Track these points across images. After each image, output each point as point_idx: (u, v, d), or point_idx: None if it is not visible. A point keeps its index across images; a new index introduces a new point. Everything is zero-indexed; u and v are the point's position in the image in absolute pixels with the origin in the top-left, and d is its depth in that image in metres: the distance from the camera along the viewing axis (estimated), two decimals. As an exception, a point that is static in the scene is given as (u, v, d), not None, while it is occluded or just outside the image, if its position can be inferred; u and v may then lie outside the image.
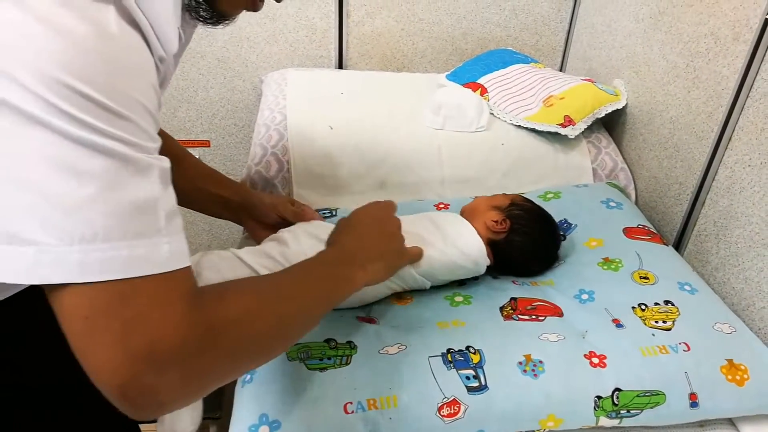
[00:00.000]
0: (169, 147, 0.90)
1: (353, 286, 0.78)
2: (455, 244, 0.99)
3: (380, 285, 0.92)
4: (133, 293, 0.50)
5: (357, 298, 0.93)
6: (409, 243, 0.94)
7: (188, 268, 0.55)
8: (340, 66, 1.75)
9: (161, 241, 0.52)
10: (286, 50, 1.71)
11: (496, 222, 1.04)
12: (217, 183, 1.06)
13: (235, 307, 0.58)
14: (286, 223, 1.06)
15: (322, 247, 0.85)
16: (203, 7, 0.65)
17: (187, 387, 0.54)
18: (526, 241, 1.04)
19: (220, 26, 0.70)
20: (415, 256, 0.95)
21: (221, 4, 0.67)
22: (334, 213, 1.21)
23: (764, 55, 1.00)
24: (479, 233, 1.02)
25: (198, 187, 1.03)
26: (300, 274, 0.72)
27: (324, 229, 0.96)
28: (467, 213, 1.09)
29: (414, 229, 0.98)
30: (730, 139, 1.08)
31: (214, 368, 0.56)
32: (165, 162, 0.55)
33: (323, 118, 1.37)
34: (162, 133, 0.84)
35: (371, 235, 0.86)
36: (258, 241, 1.05)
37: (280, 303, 0.64)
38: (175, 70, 0.71)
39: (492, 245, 1.03)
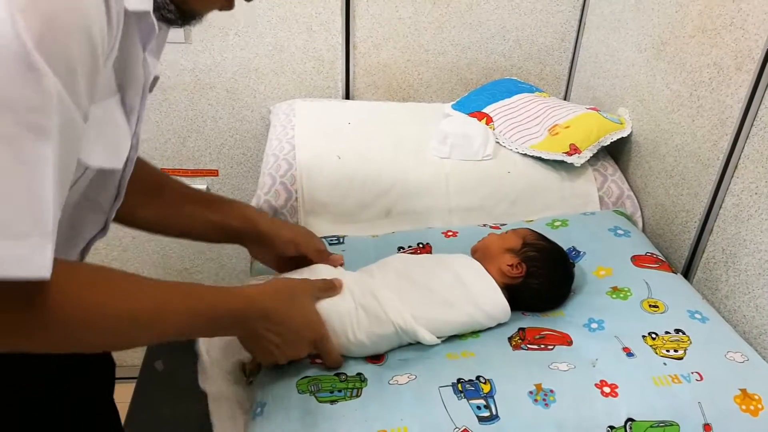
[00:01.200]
0: (148, 174, 0.88)
1: (223, 335, 0.84)
2: (479, 304, 0.96)
3: (394, 344, 0.92)
4: None
5: (370, 350, 0.91)
6: (431, 303, 0.93)
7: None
8: (347, 96, 1.77)
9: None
10: (293, 81, 1.74)
11: (511, 266, 1.02)
12: (209, 206, 0.95)
13: (96, 303, 0.60)
14: (304, 258, 1.00)
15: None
16: (168, 7, 0.64)
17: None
18: (543, 283, 1.03)
19: (190, 25, 0.70)
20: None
21: (192, 2, 0.67)
22: (341, 240, 1.22)
23: (767, 85, 1.01)
24: (494, 278, 1.00)
25: (187, 212, 0.93)
26: (198, 304, 0.72)
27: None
28: (479, 255, 1.06)
29: (436, 286, 0.96)
30: (736, 167, 1.08)
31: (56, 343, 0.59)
32: None
33: (331, 148, 1.39)
34: (140, 161, 0.83)
35: (275, 330, 0.81)
36: (280, 272, 1.00)
37: (156, 321, 0.67)
38: (155, 71, 0.69)
39: (508, 288, 1.01)
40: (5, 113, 0.47)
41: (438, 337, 0.93)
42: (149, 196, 0.88)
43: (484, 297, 0.97)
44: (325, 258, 1.00)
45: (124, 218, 0.83)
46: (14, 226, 0.48)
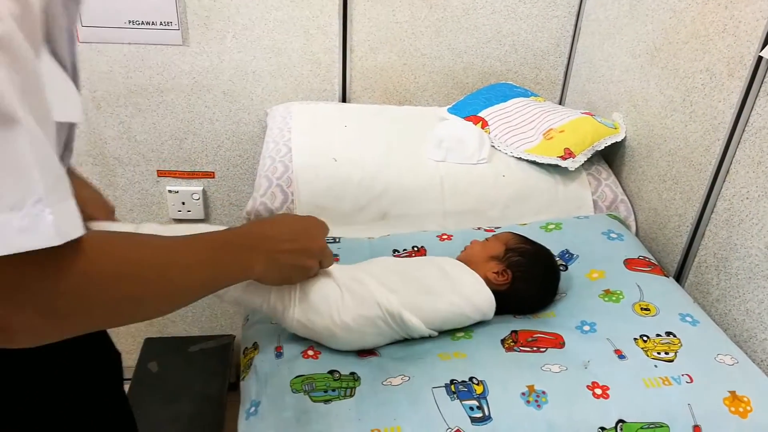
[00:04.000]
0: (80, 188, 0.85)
1: (247, 276, 0.76)
2: (464, 295, 0.97)
3: (383, 335, 0.92)
4: None
5: (357, 344, 0.92)
6: (416, 291, 0.94)
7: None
8: (344, 99, 1.78)
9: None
10: (290, 84, 1.75)
11: (497, 274, 1.03)
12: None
13: (117, 263, 0.56)
14: None
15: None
16: None
17: (44, 327, 0.53)
18: (530, 287, 1.04)
19: None
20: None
21: None
22: (337, 240, 1.23)
23: (759, 91, 1.02)
24: None
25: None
26: (199, 245, 0.68)
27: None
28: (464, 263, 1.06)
29: (422, 276, 0.97)
30: (728, 172, 1.10)
31: (78, 317, 0.55)
32: None
33: (327, 151, 1.39)
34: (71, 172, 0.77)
35: (285, 238, 0.80)
36: None
37: (168, 270, 0.62)
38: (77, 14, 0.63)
39: (496, 294, 1.01)
40: None
41: (428, 328, 0.94)
42: None
43: (469, 288, 0.98)
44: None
45: None
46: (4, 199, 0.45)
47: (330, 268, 0.91)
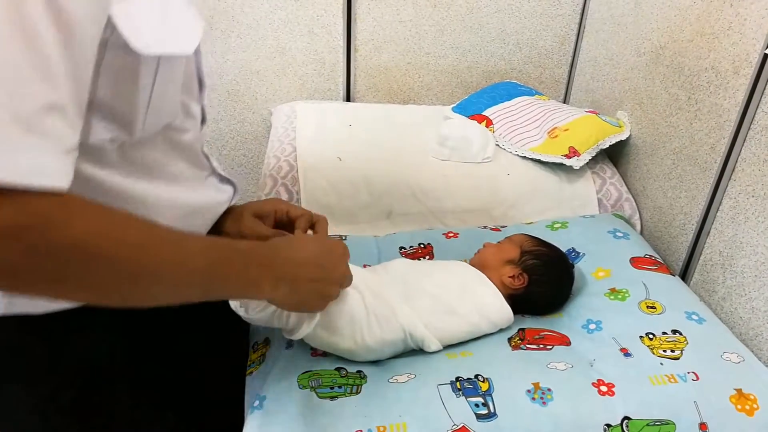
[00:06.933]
0: None
1: (254, 294, 0.70)
2: (484, 313, 0.96)
3: (398, 350, 0.90)
4: None
5: (373, 358, 0.90)
6: (439, 312, 0.92)
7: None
8: (348, 99, 1.78)
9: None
10: (295, 83, 1.75)
11: (512, 278, 1.02)
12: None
13: (89, 231, 0.51)
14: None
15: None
16: None
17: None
18: (545, 290, 1.03)
19: None
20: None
21: None
22: (344, 238, 1.23)
23: (764, 89, 1.02)
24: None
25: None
26: (201, 244, 0.63)
27: None
28: (478, 268, 1.04)
29: (444, 292, 0.95)
30: (733, 170, 1.09)
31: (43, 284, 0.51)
32: None
33: (332, 150, 1.40)
34: None
35: (309, 263, 0.74)
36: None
37: (148, 255, 0.56)
38: None
39: (511, 297, 1.00)
40: None
41: (443, 344, 0.93)
42: None
43: (489, 306, 0.97)
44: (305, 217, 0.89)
45: None
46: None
47: (354, 282, 0.84)
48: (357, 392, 0.83)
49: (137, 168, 0.65)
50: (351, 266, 0.85)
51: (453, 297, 0.95)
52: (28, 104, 0.47)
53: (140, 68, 0.59)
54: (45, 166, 0.48)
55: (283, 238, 0.78)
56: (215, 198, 0.80)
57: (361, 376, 0.86)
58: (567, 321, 1.03)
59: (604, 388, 0.86)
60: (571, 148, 1.37)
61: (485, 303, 0.97)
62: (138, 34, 0.55)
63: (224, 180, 0.83)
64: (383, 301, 0.89)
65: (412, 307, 0.91)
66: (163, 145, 0.68)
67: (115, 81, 0.57)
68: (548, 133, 1.43)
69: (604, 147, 1.41)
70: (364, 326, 0.86)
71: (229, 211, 0.84)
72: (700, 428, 0.83)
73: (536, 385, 0.85)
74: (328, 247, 0.77)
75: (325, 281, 0.75)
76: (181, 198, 0.72)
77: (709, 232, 1.16)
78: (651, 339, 0.95)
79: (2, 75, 0.45)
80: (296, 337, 0.81)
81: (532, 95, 1.60)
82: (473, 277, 1.01)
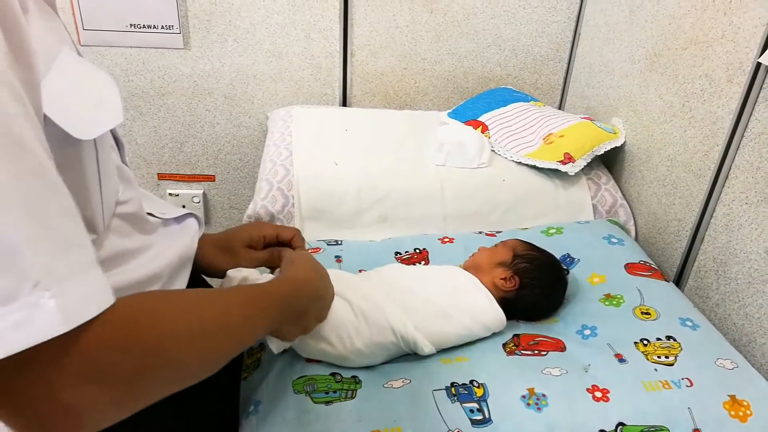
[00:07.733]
0: None
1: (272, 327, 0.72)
2: (475, 316, 0.96)
3: (392, 355, 0.91)
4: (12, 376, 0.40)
5: (365, 364, 0.90)
6: (430, 314, 0.93)
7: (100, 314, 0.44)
8: (344, 103, 1.79)
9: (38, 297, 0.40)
10: (291, 88, 1.75)
11: (504, 280, 1.02)
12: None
13: (165, 330, 0.50)
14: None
15: None
16: None
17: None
18: (537, 294, 1.04)
19: None
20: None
21: None
22: (339, 242, 1.23)
23: (758, 97, 1.03)
24: (489, 291, 1.00)
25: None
26: (250, 306, 0.64)
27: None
28: (472, 272, 1.05)
29: (435, 294, 0.96)
30: (727, 177, 1.10)
31: (142, 393, 0.50)
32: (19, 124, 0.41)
33: (328, 154, 1.40)
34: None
35: (317, 296, 0.80)
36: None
37: (220, 334, 0.57)
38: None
39: (502, 300, 1.01)
40: None
41: (436, 348, 0.93)
42: None
43: (480, 309, 0.97)
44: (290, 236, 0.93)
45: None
46: None
47: (342, 288, 0.89)
48: (352, 397, 0.83)
49: (107, 265, 0.62)
50: (342, 272, 0.88)
51: (445, 300, 0.96)
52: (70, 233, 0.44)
53: (82, 155, 0.55)
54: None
55: (300, 276, 0.78)
56: (183, 242, 0.79)
57: (356, 381, 0.86)
58: (562, 327, 1.03)
59: (598, 394, 0.86)
60: (566, 154, 1.38)
61: (477, 306, 0.97)
62: (75, 122, 0.51)
63: (179, 219, 0.82)
64: (373, 304, 0.90)
65: (404, 309, 0.91)
66: (119, 230, 0.65)
67: (65, 178, 0.47)
68: (544, 139, 1.44)
69: (599, 153, 1.41)
70: (351, 330, 0.87)
71: (220, 248, 0.88)
72: (694, 434, 0.84)
73: (531, 391, 0.85)
74: (319, 270, 0.82)
75: (326, 308, 0.83)
76: (161, 264, 0.71)
77: (703, 239, 1.17)
78: (645, 345, 0.95)
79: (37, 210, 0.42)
80: (279, 349, 0.81)
81: (528, 101, 1.60)
82: (466, 281, 1.01)
